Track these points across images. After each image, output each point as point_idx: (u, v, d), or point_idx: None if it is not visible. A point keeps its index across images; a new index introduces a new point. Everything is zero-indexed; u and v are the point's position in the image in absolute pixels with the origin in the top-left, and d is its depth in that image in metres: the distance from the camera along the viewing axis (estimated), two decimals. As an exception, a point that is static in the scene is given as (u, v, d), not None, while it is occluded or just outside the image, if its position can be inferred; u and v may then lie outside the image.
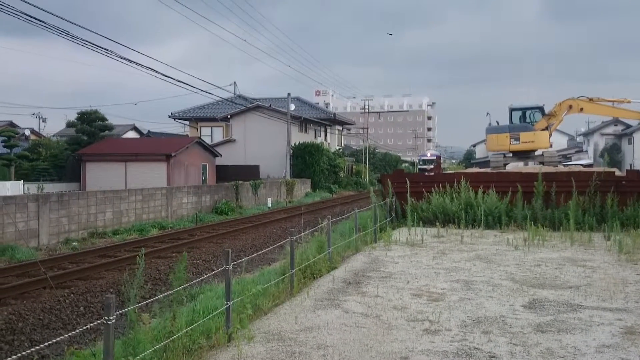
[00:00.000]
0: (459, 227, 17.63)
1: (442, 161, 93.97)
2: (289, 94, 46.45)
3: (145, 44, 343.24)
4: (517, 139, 28.13)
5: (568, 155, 63.26)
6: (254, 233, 22.33)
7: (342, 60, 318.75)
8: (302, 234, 12.74)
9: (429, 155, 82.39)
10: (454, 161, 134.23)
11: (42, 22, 16.44)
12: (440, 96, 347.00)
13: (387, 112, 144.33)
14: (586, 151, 66.87)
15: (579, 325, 7.36)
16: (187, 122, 55.47)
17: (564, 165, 36.33)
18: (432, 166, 73.02)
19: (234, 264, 7.62)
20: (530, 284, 9.85)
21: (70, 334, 6.51)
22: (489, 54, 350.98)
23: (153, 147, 37.95)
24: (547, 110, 28.68)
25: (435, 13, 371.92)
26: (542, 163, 28.04)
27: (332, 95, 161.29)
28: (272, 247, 12.39)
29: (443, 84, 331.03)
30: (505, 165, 29.01)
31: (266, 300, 8.61)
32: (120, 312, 5.35)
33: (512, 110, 29.47)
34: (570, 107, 27.87)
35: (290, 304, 8.69)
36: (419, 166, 78.03)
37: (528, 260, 12.28)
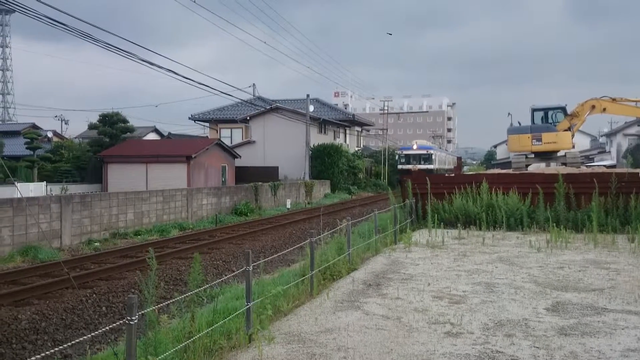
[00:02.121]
0: (480, 229, 17.48)
1: (461, 162, 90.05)
2: (307, 95, 46.46)
3: (172, 47, 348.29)
4: (539, 140, 27.87)
5: (591, 156, 62.50)
6: (273, 234, 22.37)
7: (362, 61, 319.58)
8: (322, 235, 12.73)
9: (414, 147, 58.63)
10: (474, 162, 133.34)
11: (65, 25, 16.63)
12: (461, 97, 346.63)
13: (407, 113, 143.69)
14: (609, 152, 65.93)
15: (603, 329, 7.24)
16: (207, 124, 55.81)
17: (587, 166, 35.89)
18: (423, 166, 55.63)
19: (253, 265, 7.62)
20: (553, 287, 9.72)
21: (92, 334, 6.55)
22: (510, 54, 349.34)
23: (173, 149, 38.24)
24: (569, 111, 28.39)
25: (457, 14, 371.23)
26: (564, 164, 27.76)
27: (351, 97, 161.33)
28: (291, 248, 12.38)
29: (463, 85, 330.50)
30: (527, 166, 28.75)
31: (286, 302, 8.61)
32: (142, 312, 5.38)
33: (534, 110, 29.23)
34: (593, 107, 27.56)
35: (310, 305, 8.68)
36: (399, 165, 58.19)
37: (551, 262, 12.12)
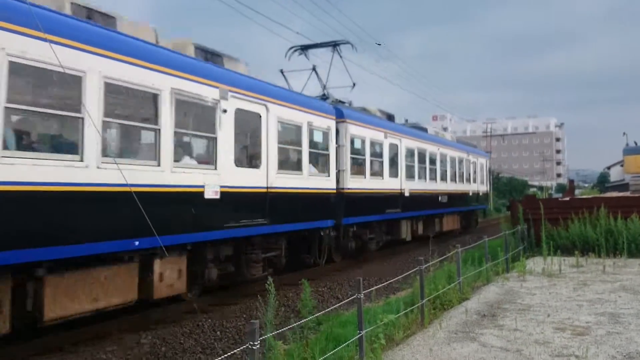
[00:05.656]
0: (599, 256, 16.50)
1: (573, 185, 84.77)
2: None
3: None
4: (659, 160, 26.15)
5: None
6: (376, 261, 22.21)
7: (465, 84, 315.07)
8: (430, 263, 12.49)
9: None
10: (586, 185, 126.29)
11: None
12: (570, 118, 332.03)
13: (512, 134, 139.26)
14: None
15: None
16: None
17: None
18: None
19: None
20: (687, 318, 8.97)
21: None
22: (626, 73, 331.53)
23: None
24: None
25: (573, 36, 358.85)
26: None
27: (450, 120, 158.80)
28: (400, 276, 12.27)
29: (572, 105, 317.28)
30: (646, 188, 26.95)
31: (397, 331, 8.49)
32: (263, 337, 5.51)
33: (652, 129, 27.49)
34: None
35: (422, 335, 8.51)
36: None
37: (681, 291, 11.20)
